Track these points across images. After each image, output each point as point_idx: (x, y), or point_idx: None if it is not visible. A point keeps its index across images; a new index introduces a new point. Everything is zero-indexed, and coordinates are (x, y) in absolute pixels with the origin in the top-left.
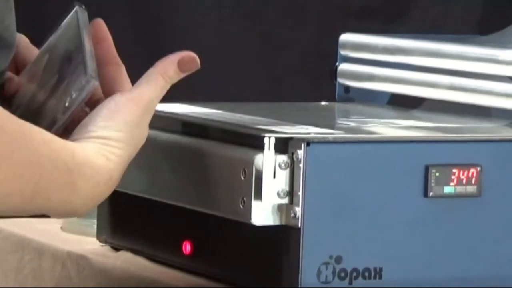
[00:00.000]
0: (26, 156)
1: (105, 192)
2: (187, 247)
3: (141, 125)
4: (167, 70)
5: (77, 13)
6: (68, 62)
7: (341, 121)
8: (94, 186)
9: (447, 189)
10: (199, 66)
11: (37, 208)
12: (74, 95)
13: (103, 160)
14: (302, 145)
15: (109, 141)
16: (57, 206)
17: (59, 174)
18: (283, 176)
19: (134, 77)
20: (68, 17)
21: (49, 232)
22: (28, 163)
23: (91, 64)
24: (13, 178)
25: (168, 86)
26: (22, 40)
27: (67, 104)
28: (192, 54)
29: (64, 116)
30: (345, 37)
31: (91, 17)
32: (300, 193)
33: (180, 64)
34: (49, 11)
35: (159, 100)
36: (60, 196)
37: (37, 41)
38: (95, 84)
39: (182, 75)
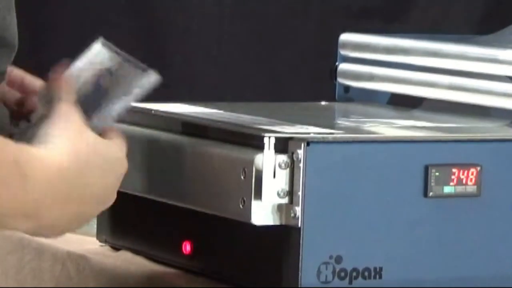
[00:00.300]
0: None
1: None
2: (187, 247)
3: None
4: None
5: (101, 43)
6: (108, 75)
7: (341, 121)
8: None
9: (447, 189)
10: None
11: None
12: (137, 90)
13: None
14: (302, 145)
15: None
16: (12, 205)
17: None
18: (283, 176)
19: None
20: (91, 48)
21: None
22: None
23: (141, 66)
24: None
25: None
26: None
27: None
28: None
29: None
30: (345, 37)
31: (91, 17)
32: (300, 193)
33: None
34: (49, 12)
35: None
36: (11, 192)
37: (37, 40)
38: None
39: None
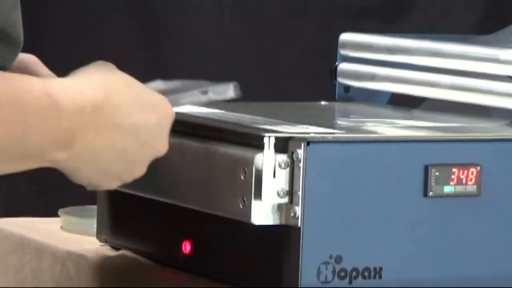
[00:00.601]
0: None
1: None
2: (187, 247)
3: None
4: None
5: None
6: (176, 83)
7: (341, 121)
8: (78, 102)
9: (447, 189)
10: None
11: (31, 147)
12: (210, 94)
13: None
14: (302, 144)
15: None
16: (46, 134)
17: (39, 99)
18: (283, 175)
19: (135, 78)
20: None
21: (49, 232)
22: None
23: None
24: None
25: None
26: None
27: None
28: None
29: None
30: (345, 36)
31: (91, 18)
32: (300, 193)
33: None
34: (49, 11)
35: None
36: (43, 121)
37: (36, 40)
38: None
39: None
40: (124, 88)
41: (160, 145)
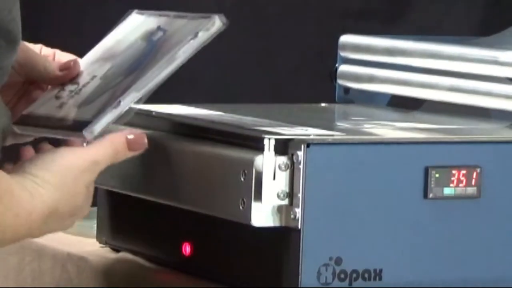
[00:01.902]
0: None
1: (23, 227)
2: (187, 249)
3: (78, 180)
4: (117, 141)
5: (136, 12)
6: (158, 33)
7: (341, 123)
8: (13, 216)
9: (447, 191)
10: (146, 146)
11: None
12: (200, 34)
13: (26, 194)
14: (302, 146)
15: (36, 179)
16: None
17: None
18: (283, 177)
19: None
20: (126, 20)
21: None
22: None
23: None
24: None
25: (116, 158)
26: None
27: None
28: (142, 135)
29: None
30: (345, 38)
31: (90, 19)
32: (300, 195)
33: (129, 142)
34: (49, 10)
35: (105, 165)
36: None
37: (36, 40)
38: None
39: (129, 154)
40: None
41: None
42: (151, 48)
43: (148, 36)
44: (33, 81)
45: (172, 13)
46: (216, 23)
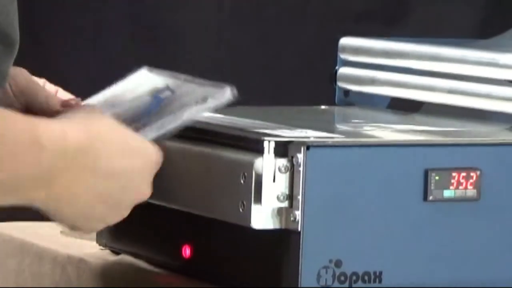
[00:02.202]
0: None
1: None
2: (186, 251)
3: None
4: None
5: (149, 70)
6: (166, 92)
7: (341, 125)
8: (61, 140)
9: (447, 193)
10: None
11: (7, 179)
12: (209, 100)
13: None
14: (302, 149)
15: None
16: (26, 173)
17: (23, 133)
18: (283, 179)
19: None
20: (134, 75)
21: (49, 236)
22: None
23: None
24: None
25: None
26: (23, 72)
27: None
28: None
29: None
30: (345, 40)
31: (90, 20)
32: (299, 197)
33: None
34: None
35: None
36: (26, 160)
37: (36, 40)
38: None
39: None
40: (108, 133)
41: (144, 190)
42: (157, 104)
43: (155, 93)
44: (32, 111)
45: (182, 76)
46: (226, 95)
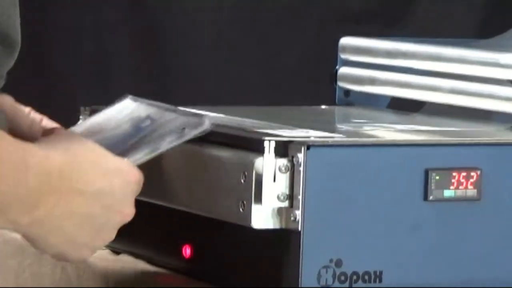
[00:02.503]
0: None
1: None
2: (187, 251)
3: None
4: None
5: (133, 99)
6: (146, 121)
7: (341, 125)
8: (45, 159)
9: (447, 193)
10: None
11: None
12: (186, 130)
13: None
14: (302, 148)
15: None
16: (11, 195)
17: (10, 153)
18: (283, 179)
19: (134, 82)
20: (119, 104)
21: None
22: None
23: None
24: None
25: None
26: (7, 99)
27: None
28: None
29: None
30: (345, 40)
31: (90, 22)
32: (300, 197)
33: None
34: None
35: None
36: (12, 182)
37: (36, 41)
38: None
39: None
40: (87, 155)
41: (127, 210)
42: (136, 134)
43: (136, 122)
44: (14, 136)
45: (163, 105)
46: (205, 125)
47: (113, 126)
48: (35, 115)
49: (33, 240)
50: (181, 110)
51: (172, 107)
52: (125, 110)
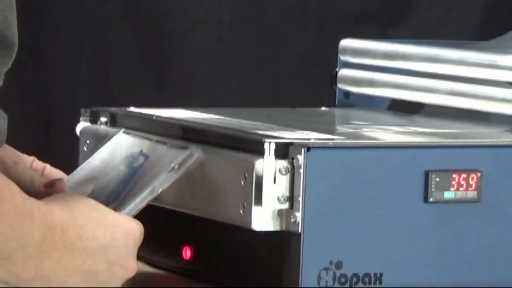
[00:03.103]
0: None
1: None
2: (187, 252)
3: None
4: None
5: (125, 133)
6: (140, 159)
7: (341, 127)
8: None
9: (447, 195)
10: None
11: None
12: (177, 168)
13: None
14: (303, 150)
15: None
16: (21, 242)
17: (17, 203)
18: (283, 181)
19: (134, 82)
20: (113, 139)
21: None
22: None
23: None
24: None
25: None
26: (9, 151)
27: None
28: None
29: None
30: (345, 42)
31: (90, 23)
32: (300, 199)
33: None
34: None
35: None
36: (22, 225)
37: (35, 41)
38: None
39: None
40: (88, 211)
41: (131, 265)
42: (132, 177)
43: (130, 162)
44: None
45: (154, 138)
46: (194, 157)
47: (109, 169)
48: (38, 164)
49: None
50: (170, 142)
51: (160, 138)
52: (119, 146)
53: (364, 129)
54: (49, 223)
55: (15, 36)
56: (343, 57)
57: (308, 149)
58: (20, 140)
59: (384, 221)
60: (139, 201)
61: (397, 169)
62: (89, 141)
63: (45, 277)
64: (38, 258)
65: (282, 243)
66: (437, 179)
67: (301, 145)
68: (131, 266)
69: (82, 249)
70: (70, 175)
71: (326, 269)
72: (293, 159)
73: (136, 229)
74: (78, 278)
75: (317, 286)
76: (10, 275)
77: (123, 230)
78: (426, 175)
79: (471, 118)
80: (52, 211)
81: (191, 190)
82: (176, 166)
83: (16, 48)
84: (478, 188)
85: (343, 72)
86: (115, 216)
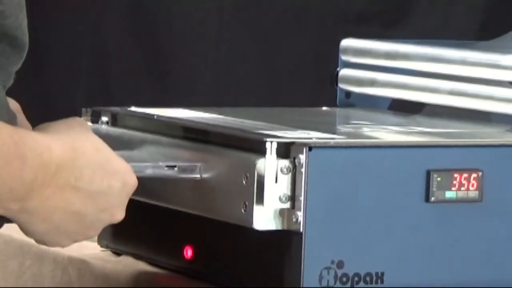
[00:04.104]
0: None
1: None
2: (188, 252)
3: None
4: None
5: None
6: None
7: (342, 126)
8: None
9: (449, 194)
10: None
11: None
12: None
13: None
14: (304, 149)
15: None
16: (5, 184)
17: (5, 147)
18: (285, 180)
19: (134, 82)
20: None
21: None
22: None
23: None
24: None
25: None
26: (15, 104)
27: None
28: None
29: None
30: (346, 42)
31: (90, 23)
32: (301, 198)
33: None
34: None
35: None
36: (6, 171)
37: (36, 41)
38: None
39: None
40: (91, 152)
41: (119, 214)
42: None
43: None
44: None
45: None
46: (195, 173)
47: None
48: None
49: (20, 224)
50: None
51: (171, 163)
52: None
53: (365, 129)
54: (44, 162)
55: (26, 35)
56: (344, 57)
57: (310, 148)
58: None
59: (385, 221)
60: (144, 167)
61: (398, 169)
62: None
63: (30, 211)
64: (26, 197)
65: (284, 242)
66: (439, 179)
67: (302, 145)
68: (119, 216)
69: (76, 190)
70: None
71: (328, 268)
72: (294, 158)
73: (133, 182)
74: (64, 217)
75: (318, 285)
76: None
77: (121, 179)
78: (428, 174)
79: (472, 118)
80: (51, 149)
81: (193, 189)
82: (176, 169)
83: (26, 48)
84: (480, 187)
85: (344, 72)
86: (117, 163)
